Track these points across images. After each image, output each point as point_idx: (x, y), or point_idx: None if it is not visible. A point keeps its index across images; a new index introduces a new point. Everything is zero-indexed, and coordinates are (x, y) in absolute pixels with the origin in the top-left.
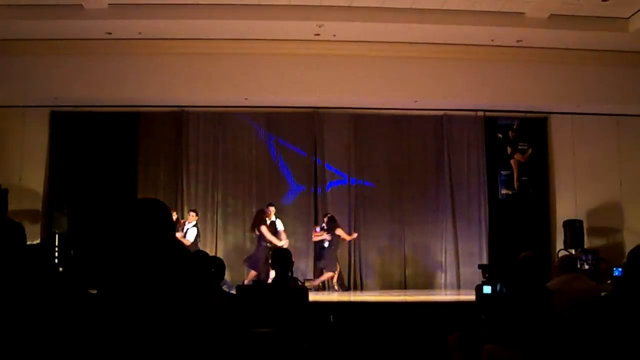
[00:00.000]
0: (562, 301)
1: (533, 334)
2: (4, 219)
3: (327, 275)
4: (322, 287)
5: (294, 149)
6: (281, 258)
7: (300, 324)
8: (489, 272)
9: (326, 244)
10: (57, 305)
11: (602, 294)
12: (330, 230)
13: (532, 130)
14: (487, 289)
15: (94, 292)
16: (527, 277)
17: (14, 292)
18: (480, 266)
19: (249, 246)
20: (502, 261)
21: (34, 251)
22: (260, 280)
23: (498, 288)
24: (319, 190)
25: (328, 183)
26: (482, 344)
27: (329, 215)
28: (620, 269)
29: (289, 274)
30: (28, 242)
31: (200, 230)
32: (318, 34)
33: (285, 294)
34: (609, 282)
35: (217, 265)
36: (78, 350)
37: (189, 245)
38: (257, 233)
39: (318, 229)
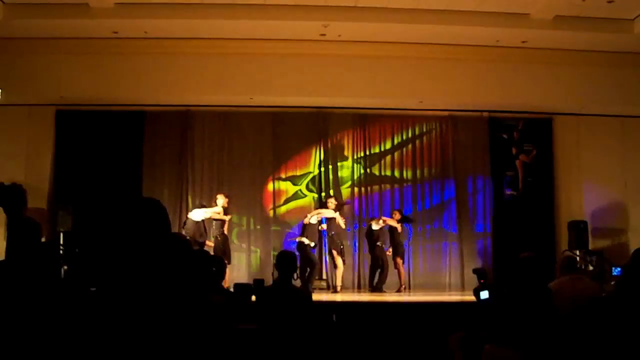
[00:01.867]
0: (562, 302)
1: (532, 334)
2: (22, 216)
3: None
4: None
5: (298, 148)
6: (286, 261)
7: (300, 325)
8: (483, 277)
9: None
10: (60, 302)
11: (604, 294)
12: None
13: (537, 131)
14: (484, 294)
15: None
16: (526, 277)
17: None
18: (475, 271)
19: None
20: (505, 262)
21: (41, 249)
22: (261, 280)
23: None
24: (325, 190)
25: (333, 182)
26: (482, 344)
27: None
28: (619, 269)
29: (292, 278)
30: None
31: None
32: (324, 34)
33: (287, 296)
34: (612, 282)
35: (218, 264)
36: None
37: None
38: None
39: (381, 221)
